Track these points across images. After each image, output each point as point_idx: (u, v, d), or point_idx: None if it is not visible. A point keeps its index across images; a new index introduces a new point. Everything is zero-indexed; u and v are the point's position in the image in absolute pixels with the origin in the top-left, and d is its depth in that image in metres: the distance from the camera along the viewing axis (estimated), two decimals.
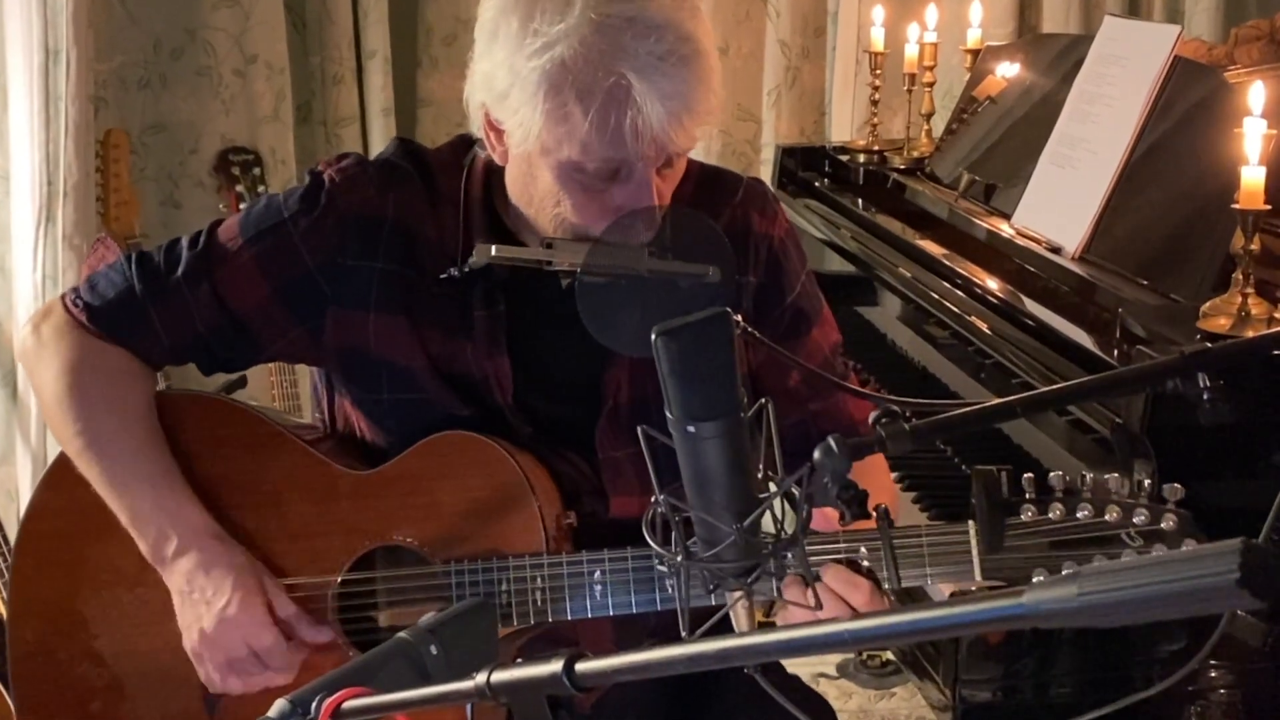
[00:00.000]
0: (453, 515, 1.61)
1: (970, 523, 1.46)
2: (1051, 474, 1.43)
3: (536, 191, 1.56)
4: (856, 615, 0.82)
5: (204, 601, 1.59)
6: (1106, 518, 1.41)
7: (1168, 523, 1.40)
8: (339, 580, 1.63)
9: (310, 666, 1.62)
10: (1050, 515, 1.42)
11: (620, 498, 1.67)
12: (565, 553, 1.59)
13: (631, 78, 1.45)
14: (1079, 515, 1.41)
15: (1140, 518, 1.40)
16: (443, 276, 1.62)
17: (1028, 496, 1.42)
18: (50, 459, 1.72)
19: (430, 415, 1.64)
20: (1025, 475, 1.43)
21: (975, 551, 1.46)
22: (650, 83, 1.45)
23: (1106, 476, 1.43)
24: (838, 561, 1.47)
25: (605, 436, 1.67)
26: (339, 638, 1.63)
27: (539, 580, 1.58)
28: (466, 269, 1.60)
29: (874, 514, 1.45)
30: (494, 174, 1.65)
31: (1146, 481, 1.42)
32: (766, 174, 3.40)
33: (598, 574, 1.57)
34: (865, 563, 1.48)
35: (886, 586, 1.48)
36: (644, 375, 1.63)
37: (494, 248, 1.58)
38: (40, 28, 2.88)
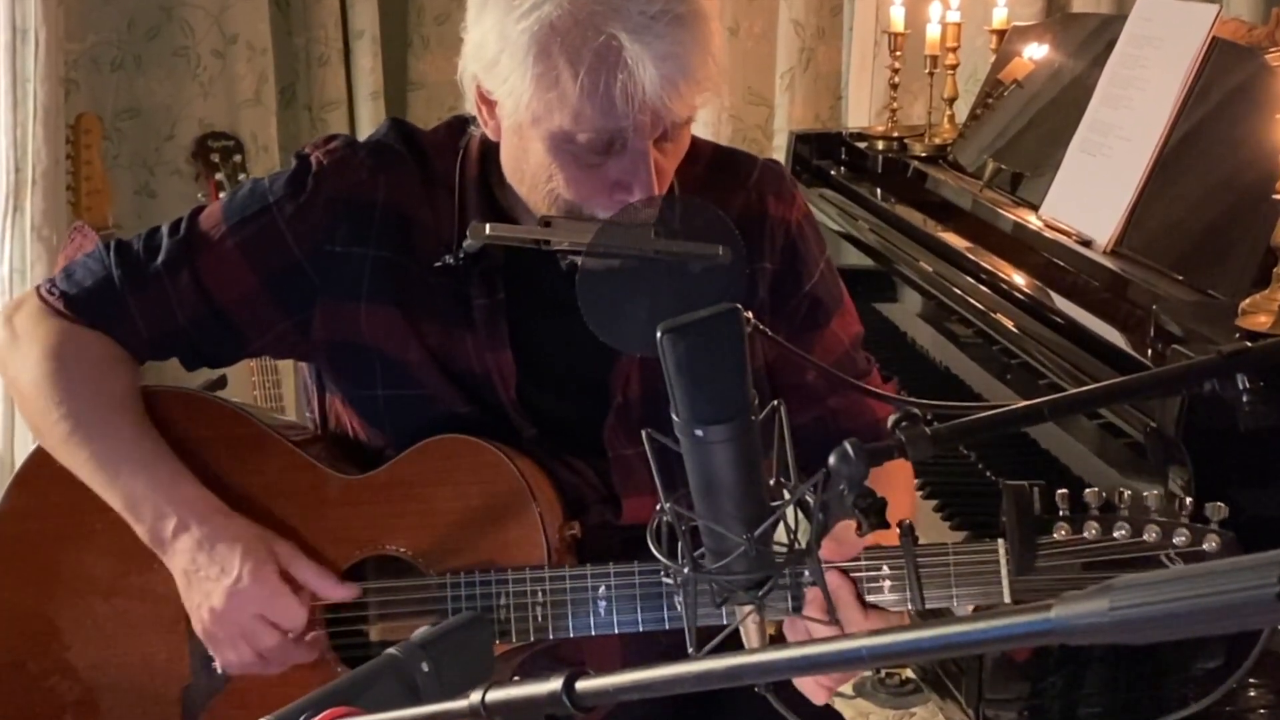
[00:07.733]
0: (449, 524, 1.61)
1: (1000, 541, 1.45)
2: (1087, 490, 1.42)
3: (529, 166, 1.56)
4: (874, 631, 0.82)
5: (211, 579, 1.57)
6: (1145, 538, 1.40)
7: (1210, 544, 1.39)
8: None
9: (294, 683, 1.62)
10: (1085, 534, 1.40)
11: (633, 499, 1.66)
12: (568, 566, 1.59)
13: (622, 38, 1.43)
14: (1116, 534, 1.40)
15: (1181, 538, 1.39)
16: (437, 264, 1.62)
17: (1061, 513, 1.41)
18: (18, 463, 1.72)
19: (428, 413, 1.64)
20: (1059, 491, 1.41)
21: (1005, 572, 1.46)
22: (643, 43, 1.43)
23: (1145, 493, 1.41)
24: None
25: (614, 434, 1.67)
26: (326, 652, 1.63)
27: (540, 595, 1.57)
28: (462, 254, 1.60)
29: (898, 529, 1.45)
30: (490, 155, 1.64)
31: (1188, 500, 1.40)
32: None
33: (602, 589, 1.57)
34: (887, 583, 1.48)
35: (910, 608, 1.48)
36: (656, 367, 1.62)
37: (488, 226, 1.57)
38: (7, 5, 2.89)
